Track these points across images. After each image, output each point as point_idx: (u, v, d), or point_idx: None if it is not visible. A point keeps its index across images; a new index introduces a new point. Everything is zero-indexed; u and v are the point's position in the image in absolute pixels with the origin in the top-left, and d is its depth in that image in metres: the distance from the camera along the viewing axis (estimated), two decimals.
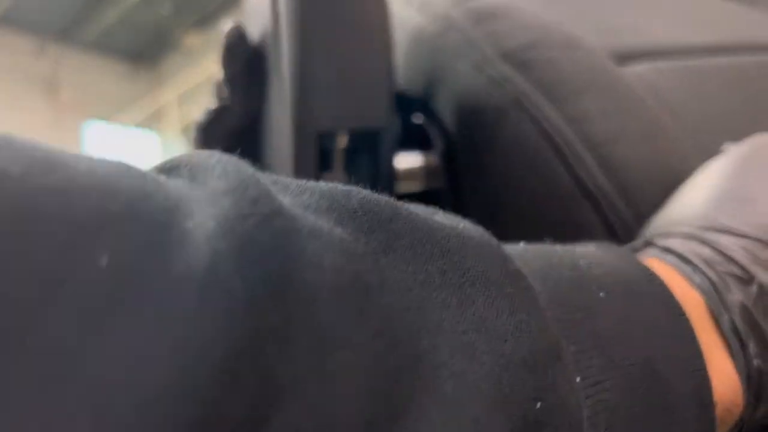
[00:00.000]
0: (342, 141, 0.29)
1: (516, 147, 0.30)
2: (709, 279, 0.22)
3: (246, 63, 0.38)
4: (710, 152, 0.33)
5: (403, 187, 0.33)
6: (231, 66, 0.38)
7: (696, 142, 0.33)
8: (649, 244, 0.25)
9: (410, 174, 0.33)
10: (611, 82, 0.30)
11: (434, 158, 0.33)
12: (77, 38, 9.01)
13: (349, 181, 0.31)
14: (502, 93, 0.30)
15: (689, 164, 0.29)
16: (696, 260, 0.23)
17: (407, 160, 0.33)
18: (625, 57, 0.37)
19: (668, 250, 0.24)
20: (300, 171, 0.29)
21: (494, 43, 0.31)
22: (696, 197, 0.26)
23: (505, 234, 0.30)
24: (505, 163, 0.30)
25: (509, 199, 0.30)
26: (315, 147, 0.28)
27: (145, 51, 9.73)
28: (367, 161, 0.30)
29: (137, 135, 9.25)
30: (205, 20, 9.06)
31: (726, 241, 0.23)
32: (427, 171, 0.33)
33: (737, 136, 0.35)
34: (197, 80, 7.22)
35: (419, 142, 0.35)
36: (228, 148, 0.38)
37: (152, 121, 8.74)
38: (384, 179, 0.30)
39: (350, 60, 0.28)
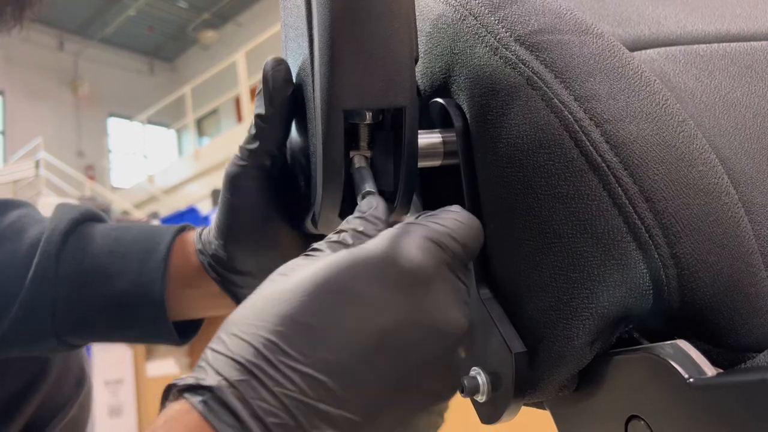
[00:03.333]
0: (367, 118, 0.31)
1: (526, 123, 0.32)
2: None
3: (287, 101, 0.38)
4: (714, 134, 0.35)
5: (423, 163, 0.35)
6: (272, 103, 0.38)
7: (701, 124, 0.35)
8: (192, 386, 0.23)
9: (430, 151, 0.35)
10: (620, 64, 0.32)
11: (452, 136, 0.35)
12: (96, 34, 9.10)
13: (373, 155, 0.33)
14: (515, 73, 0.32)
15: (694, 144, 0.31)
16: (241, 411, 0.22)
17: (427, 138, 0.35)
18: (637, 44, 0.39)
19: (204, 389, 0.22)
20: (328, 147, 0.31)
21: (509, 27, 0.33)
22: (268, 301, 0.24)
23: (513, 207, 0.32)
24: (516, 138, 0.32)
25: (519, 174, 0.32)
26: (342, 124, 0.31)
27: (162, 47, 9.79)
28: (391, 138, 0.32)
29: (154, 130, 9.32)
30: (221, 16, 9.09)
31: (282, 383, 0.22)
32: (445, 148, 0.36)
33: (741, 119, 0.36)
34: (213, 76, 7.28)
35: (439, 121, 0.37)
36: (259, 189, 0.41)
37: (169, 115, 8.81)
38: (407, 156, 0.32)
39: (375, 45, 0.30)
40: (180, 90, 8.21)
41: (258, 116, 0.39)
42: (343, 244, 0.27)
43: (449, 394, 0.27)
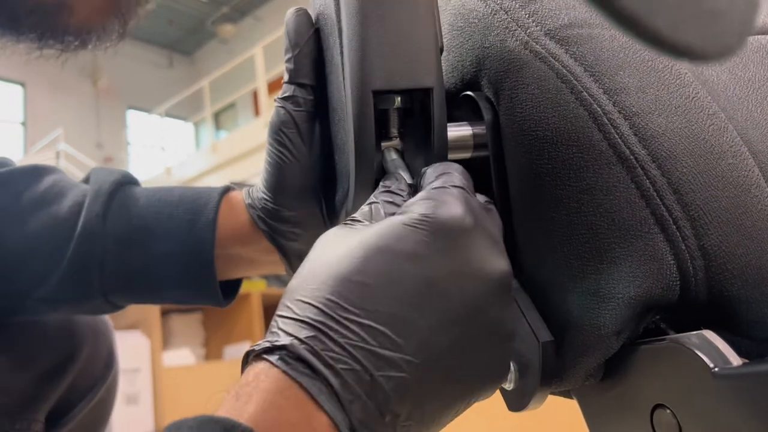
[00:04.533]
0: (396, 102, 0.32)
1: (556, 116, 0.32)
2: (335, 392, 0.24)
3: (313, 39, 0.41)
4: (746, 127, 0.35)
5: (454, 155, 0.36)
6: (298, 44, 0.40)
7: (733, 117, 0.35)
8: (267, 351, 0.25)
9: (460, 143, 0.36)
10: (650, 57, 0.33)
11: (482, 129, 0.36)
12: None
13: (404, 146, 0.34)
14: (545, 67, 0.33)
15: (724, 137, 0.31)
16: (314, 362, 0.24)
17: (457, 131, 0.36)
18: None
19: (289, 353, 0.25)
20: (360, 132, 0.32)
21: (539, 21, 0.33)
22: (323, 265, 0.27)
23: (542, 198, 0.33)
24: (545, 131, 0.33)
25: (548, 166, 0.33)
26: (372, 106, 0.32)
27: (180, 40, 9.84)
28: (421, 125, 0.33)
29: (172, 122, 9.39)
30: (240, 10, 9.12)
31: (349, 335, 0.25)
32: (475, 141, 0.36)
33: None
34: (231, 70, 7.31)
35: (469, 114, 0.37)
36: (307, 130, 0.42)
37: (187, 108, 8.87)
38: (437, 139, 0.33)
39: (401, 29, 0.32)
40: (198, 83, 8.26)
41: (287, 61, 0.41)
42: (377, 214, 0.30)
43: (503, 339, 0.29)
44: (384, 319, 0.25)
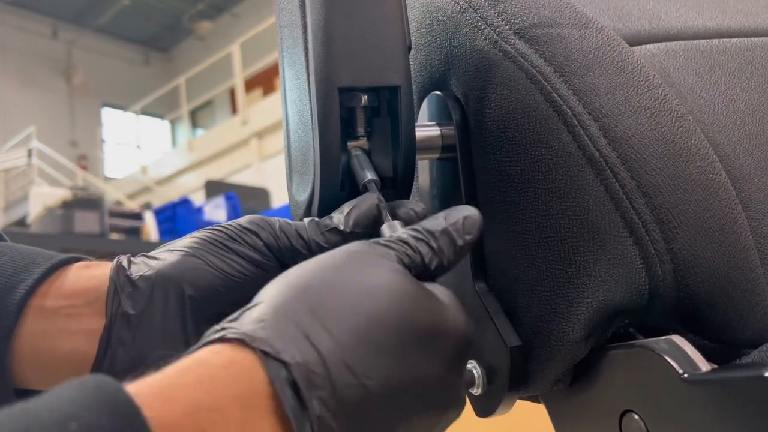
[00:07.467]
0: (363, 100, 0.31)
1: (525, 117, 0.32)
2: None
3: None
4: (713, 130, 0.35)
5: (421, 156, 0.35)
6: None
7: (701, 119, 0.35)
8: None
9: (428, 144, 0.35)
10: (619, 59, 0.32)
11: (450, 129, 0.35)
12: (91, 23, 9.04)
13: (371, 145, 0.33)
14: (514, 67, 0.32)
15: (693, 140, 0.31)
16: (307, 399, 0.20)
17: (425, 131, 0.35)
18: (637, 39, 0.39)
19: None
20: (325, 129, 0.31)
21: (509, 20, 0.33)
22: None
23: (511, 200, 0.32)
24: (514, 132, 0.32)
25: (516, 168, 0.32)
26: (337, 103, 0.31)
27: (156, 37, 9.73)
28: (388, 125, 0.32)
29: (148, 120, 9.29)
30: (216, 7, 9.04)
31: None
32: (443, 141, 0.36)
33: (741, 115, 0.36)
34: (208, 67, 7.24)
35: (437, 114, 0.37)
36: None
37: (163, 106, 8.77)
38: (405, 138, 0.32)
39: (368, 25, 0.31)
40: (175, 81, 8.16)
41: None
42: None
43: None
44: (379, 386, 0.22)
